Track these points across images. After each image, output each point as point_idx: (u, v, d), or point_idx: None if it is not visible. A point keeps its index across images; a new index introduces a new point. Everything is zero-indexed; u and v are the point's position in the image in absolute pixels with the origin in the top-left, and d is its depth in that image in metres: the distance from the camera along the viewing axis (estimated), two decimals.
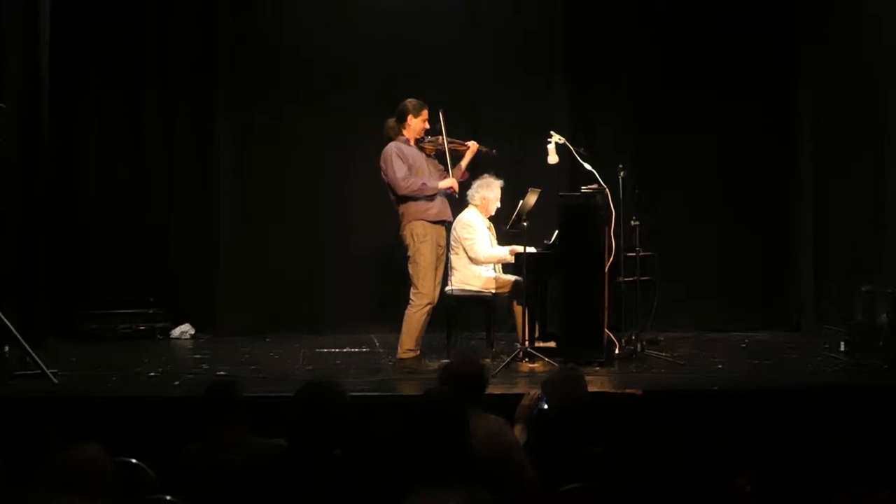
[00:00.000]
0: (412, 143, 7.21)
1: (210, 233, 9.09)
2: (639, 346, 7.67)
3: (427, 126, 7.18)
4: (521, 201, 7.44)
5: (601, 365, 7.18)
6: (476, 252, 7.63)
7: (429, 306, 7.06)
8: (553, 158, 7.57)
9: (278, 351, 8.17)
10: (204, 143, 9.08)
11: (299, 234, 9.21)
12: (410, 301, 7.09)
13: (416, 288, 7.06)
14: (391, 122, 7.23)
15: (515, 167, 8.84)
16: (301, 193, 9.19)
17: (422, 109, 7.15)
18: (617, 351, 7.45)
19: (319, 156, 9.19)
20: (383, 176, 7.16)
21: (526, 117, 9.16)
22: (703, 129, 9.28)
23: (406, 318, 7.08)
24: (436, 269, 7.11)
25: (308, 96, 9.13)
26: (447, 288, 7.67)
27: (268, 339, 8.75)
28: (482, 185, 7.82)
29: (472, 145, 7.33)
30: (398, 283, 7.75)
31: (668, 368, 7.31)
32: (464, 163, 7.33)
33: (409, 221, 7.13)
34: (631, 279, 7.74)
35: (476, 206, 7.83)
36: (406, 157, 7.13)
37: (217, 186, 9.08)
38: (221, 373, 7.10)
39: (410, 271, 7.12)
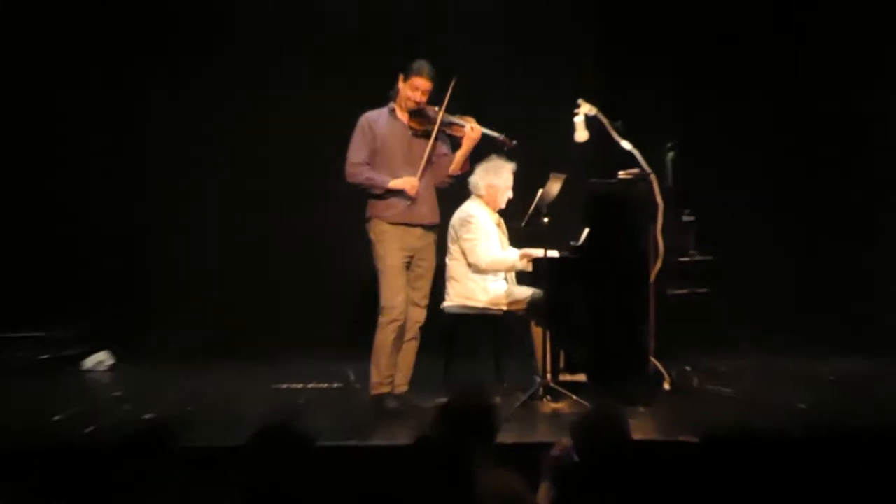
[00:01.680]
0: (399, 113, 7.24)
1: (135, 236, 9.11)
2: (694, 379, 7.67)
3: (417, 98, 7.18)
4: (541, 191, 7.42)
5: (646, 404, 7.16)
6: (477, 256, 7.62)
7: (394, 324, 7.13)
8: (581, 135, 7.55)
9: (224, 386, 8.17)
10: (125, 121, 9.09)
11: (252, 237, 9.21)
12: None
13: (382, 298, 7.11)
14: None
15: (532, 146, 8.82)
16: (258, 189, 9.21)
17: (414, 75, 7.16)
18: (666, 386, 7.45)
19: (282, 143, 9.20)
20: None
21: (546, 81, 9.16)
22: (777, 104, 9.30)
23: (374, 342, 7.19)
24: (402, 275, 7.16)
25: (274, 72, 9.19)
26: (444, 304, 7.66)
27: (210, 371, 8.74)
28: (489, 170, 7.80)
29: (473, 130, 7.27)
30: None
31: (733, 408, 7.30)
32: (461, 154, 7.30)
33: (370, 219, 7.26)
34: (684, 292, 7.73)
35: (480, 196, 7.81)
36: (375, 136, 7.20)
37: (146, 178, 9.08)
38: (150, 415, 7.10)
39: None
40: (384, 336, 7.15)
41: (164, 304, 9.14)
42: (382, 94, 7.37)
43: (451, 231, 7.67)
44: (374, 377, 7.20)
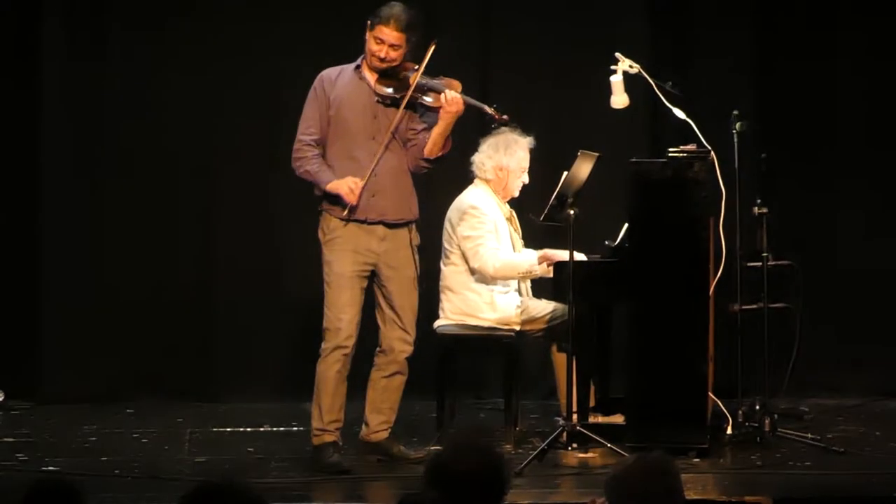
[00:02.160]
0: (367, 73, 7.21)
1: (29, 241, 9.08)
2: (767, 421, 7.65)
3: (382, 53, 7.05)
4: (566, 174, 7.42)
5: (702, 454, 7.19)
6: (482, 259, 7.61)
7: (338, 352, 7.12)
8: (620, 99, 7.57)
9: (148, 430, 8.19)
10: (22, 95, 9.12)
11: (186, 242, 9.18)
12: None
13: (325, 318, 7.18)
14: None
15: (555, 115, 8.84)
16: (190, 180, 9.18)
17: (380, 23, 7.10)
18: (729, 430, 7.48)
19: (223, 116, 9.17)
20: None
21: (573, 31, 9.14)
22: (872, 60, 9.29)
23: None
24: (353, 288, 7.16)
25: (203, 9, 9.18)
26: (437, 323, 7.67)
27: (130, 411, 8.76)
28: (498, 147, 7.78)
29: (450, 101, 7.17)
30: None
31: (818, 461, 7.32)
32: (437, 131, 7.18)
33: (320, 212, 7.28)
34: (753, 307, 7.74)
35: (487, 181, 7.79)
36: (328, 101, 7.18)
37: (41, 169, 9.08)
38: (51, 468, 7.11)
39: None
40: (325, 368, 7.14)
41: (71, 323, 9.10)
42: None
43: (447, 227, 7.67)
44: (315, 422, 7.19)
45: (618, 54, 7.60)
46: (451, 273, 7.70)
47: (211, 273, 9.23)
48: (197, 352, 9.19)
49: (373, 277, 7.25)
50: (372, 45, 7.15)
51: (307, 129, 7.21)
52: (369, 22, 7.15)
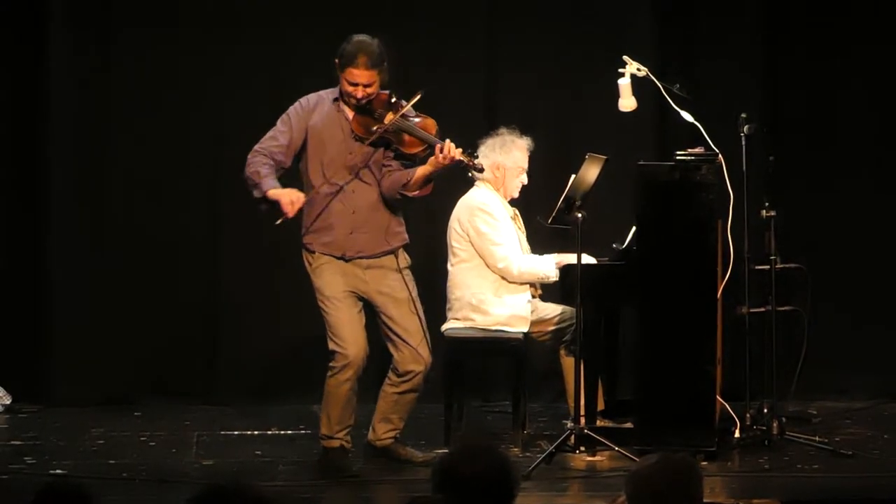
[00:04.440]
0: (343, 105, 7.18)
1: (35, 244, 9.08)
2: (775, 424, 7.66)
3: (358, 94, 7.01)
4: (574, 177, 7.42)
5: (710, 457, 7.19)
6: (508, 261, 7.58)
7: (348, 371, 7.09)
8: (628, 103, 7.57)
9: (156, 433, 8.20)
10: (24, 98, 9.12)
11: (193, 243, 9.17)
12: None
13: (330, 342, 7.16)
14: None
15: (562, 118, 8.83)
16: (195, 181, 9.18)
17: (348, 65, 7.03)
18: (737, 433, 7.47)
19: (228, 118, 9.16)
20: None
21: (579, 33, 9.14)
22: (880, 61, 9.28)
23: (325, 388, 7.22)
24: (350, 308, 7.14)
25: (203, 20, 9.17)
26: (445, 326, 7.68)
27: (137, 414, 8.77)
28: (495, 146, 7.73)
29: (448, 152, 6.95)
30: None
31: (826, 463, 7.33)
32: (423, 172, 7.05)
33: (304, 245, 7.27)
34: (761, 309, 7.74)
35: (485, 180, 7.77)
36: (304, 129, 7.14)
37: (47, 166, 9.09)
38: (58, 471, 7.12)
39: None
40: (335, 384, 7.12)
41: (79, 327, 9.09)
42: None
43: (454, 226, 7.66)
44: (323, 428, 7.20)
45: (626, 57, 7.59)
46: (460, 271, 7.68)
47: (218, 275, 9.24)
48: (204, 354, 9.19)
49: (372, 310, 7.21)
50: (346, 87, 7.09)
51: (272, 146, 7.12)
52: (337, 62, 7.06)
